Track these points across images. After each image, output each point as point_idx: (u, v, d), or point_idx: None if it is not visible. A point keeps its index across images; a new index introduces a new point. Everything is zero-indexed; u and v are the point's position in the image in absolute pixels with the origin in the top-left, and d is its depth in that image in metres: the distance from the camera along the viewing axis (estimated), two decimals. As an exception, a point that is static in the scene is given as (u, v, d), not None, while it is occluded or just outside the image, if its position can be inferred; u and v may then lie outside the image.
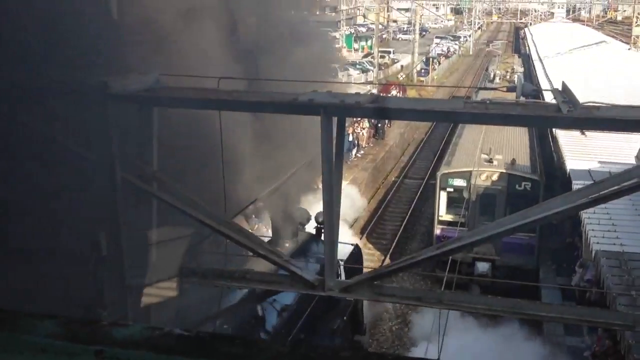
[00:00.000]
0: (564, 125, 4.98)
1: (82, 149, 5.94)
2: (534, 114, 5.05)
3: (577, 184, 17.32)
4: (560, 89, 5.81)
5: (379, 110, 5.36)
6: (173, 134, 6.34)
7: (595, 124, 4.97)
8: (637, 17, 51.87)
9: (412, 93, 42.44)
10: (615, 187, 5.15)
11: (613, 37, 64.38)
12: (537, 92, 5.93)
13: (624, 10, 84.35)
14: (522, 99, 5.87)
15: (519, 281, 19.15)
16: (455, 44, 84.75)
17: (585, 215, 13.85)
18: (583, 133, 20.75)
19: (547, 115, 5.03)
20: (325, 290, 5.28)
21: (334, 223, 5.41)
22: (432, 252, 5.64)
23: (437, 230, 21.86)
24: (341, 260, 17.37)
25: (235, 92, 5.89)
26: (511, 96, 5.83)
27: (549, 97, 6.23)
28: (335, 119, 5.50)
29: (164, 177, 6.29)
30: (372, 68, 59.68)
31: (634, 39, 50.92)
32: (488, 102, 5.35)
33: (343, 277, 15.06)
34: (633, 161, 17.21)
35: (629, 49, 50.76)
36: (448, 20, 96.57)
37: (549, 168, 24.25)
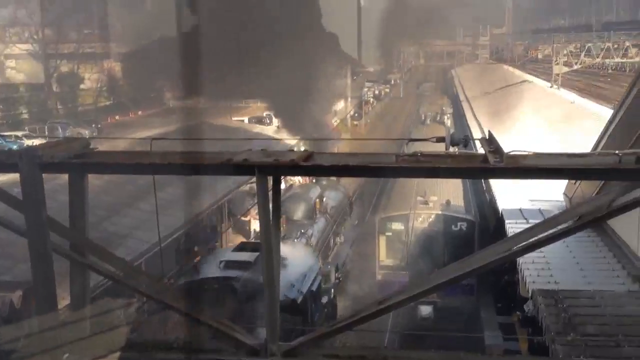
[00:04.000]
0: (492, 176, 5.16)
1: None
2: (463, 166, 5.22)
3: (509, 223, 17.80)
4: (487, 137, 6.01)
5: (314, 168, 5.42)
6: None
7: (521, 173, 5.17)
8: (556, 56, 54.26)
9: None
10: (550, 231, 5.31)
11: (535, 75, 67.14)
12: (467, 140, 6.11)
13: (544, 49, 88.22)
14: (451, 149, 6.02)
15: (461, 322, 19.47)
16: (387, 88, 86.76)
17: (520, 254, 14.18)
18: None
19: (476, 167, 5.20)
20: (267, 355, 5.23)
21: (274, 283, 5.38)
22: (375, 309, 5.64)
23: (379, 276, 22.00)
24: None
25: (169, 153, 5.85)
26: (441, 146, 5.98)
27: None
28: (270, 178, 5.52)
29: (97, 245, 6.16)
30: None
31: (554, 77, 53.16)
32: (419, 154, 5.48)
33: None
34: (561, 197, 17.82)
35: (550, 87, 52.93)
36: (379, 64, 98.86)
37: (483, 207, 24.87)
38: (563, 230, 5.25)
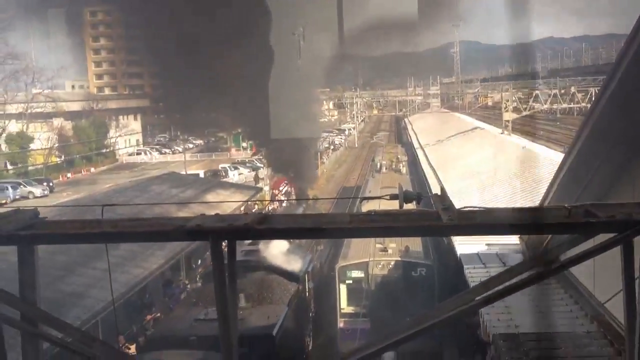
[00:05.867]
0: (446, 233, 5.25)
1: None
2: (417, 225, 5.27)
3: (467, 268, 17.95)
4: (439, 193, 6.09)
5: (268, 231, 5.40)
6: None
7: (472, 229, 5.27)
8: (505, 103, 55.79)
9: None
10: (509, 283, 5.37)
11: (486, 122, 68.79)
12: (419, 197, 6.20)
13: (493, 97, 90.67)
14: (405, 206, 6.07)
15: None
16: (341, 137, 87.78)
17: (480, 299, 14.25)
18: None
19: (429, 225, 5.26)
20: None
21: (232, 350, 5.29)
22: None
23: (341, 323, 21.95)
24: None
25: (120, 221, 5.77)
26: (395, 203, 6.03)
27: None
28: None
29: (48, 314, 5.99)
30: (261, 166, 60.74)
31: (504, 123, 54.51)
32: (373, 213, 5.51)
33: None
34: (517, 240, 18.08)
35: (501, 133, 54.18)
36: (332, 115, 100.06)
37: (441, 252, 25.03)
38: (521, 281, 5.32)
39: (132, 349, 18.70)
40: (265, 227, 5.37)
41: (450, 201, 5.51)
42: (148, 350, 16.19)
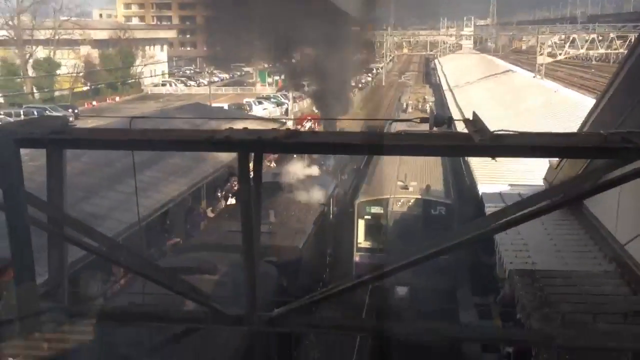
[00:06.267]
0: (476, 153, 5.13)
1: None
2: (447, 144, 5.17)
3: (489, 207, 17.80)
4: (471, 118, 5.97)
5: (297, 145, 5.36)
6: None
7: (505, 151, 5.14)
8: (540, 47, 54.53)
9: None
10: (526, 211, 5.29)
11: (519, 66, 67.40)
12: (450, 121, 6.06)
13: (528, 40, 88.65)
14: (435, 129, 5.97)
15: (437, 302, 19.60)
16: (369, 76, 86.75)
17: (498, 236, 14.14)
18: (494, 158, 21.45)
19: (460, 145, 5.16)
20: (247, 324, 5.21)
21: (253, 259, 5.34)
22: (352, 282, 5.65)
23: (357, 258, 22.07)
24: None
25: (149, 130, 5.76)
26: (425, 127, 5.92)
27: (460, 127, 6.40)
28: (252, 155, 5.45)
29: (75, 219, 6.07)
30: (286, 101, 60.50)
31: (538, 67, 53.43)
32: (402, 133, 5.43)
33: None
34: (541, 182, 17.88)
35: (534, 77, 53.17)
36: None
37: (462, 192, 24.94)
38: (542, 208, 5.23)
39: None
40: (293, 141, 5.32)
41: (484, 123, 5.39)
42: (182, 253, 16.74)
